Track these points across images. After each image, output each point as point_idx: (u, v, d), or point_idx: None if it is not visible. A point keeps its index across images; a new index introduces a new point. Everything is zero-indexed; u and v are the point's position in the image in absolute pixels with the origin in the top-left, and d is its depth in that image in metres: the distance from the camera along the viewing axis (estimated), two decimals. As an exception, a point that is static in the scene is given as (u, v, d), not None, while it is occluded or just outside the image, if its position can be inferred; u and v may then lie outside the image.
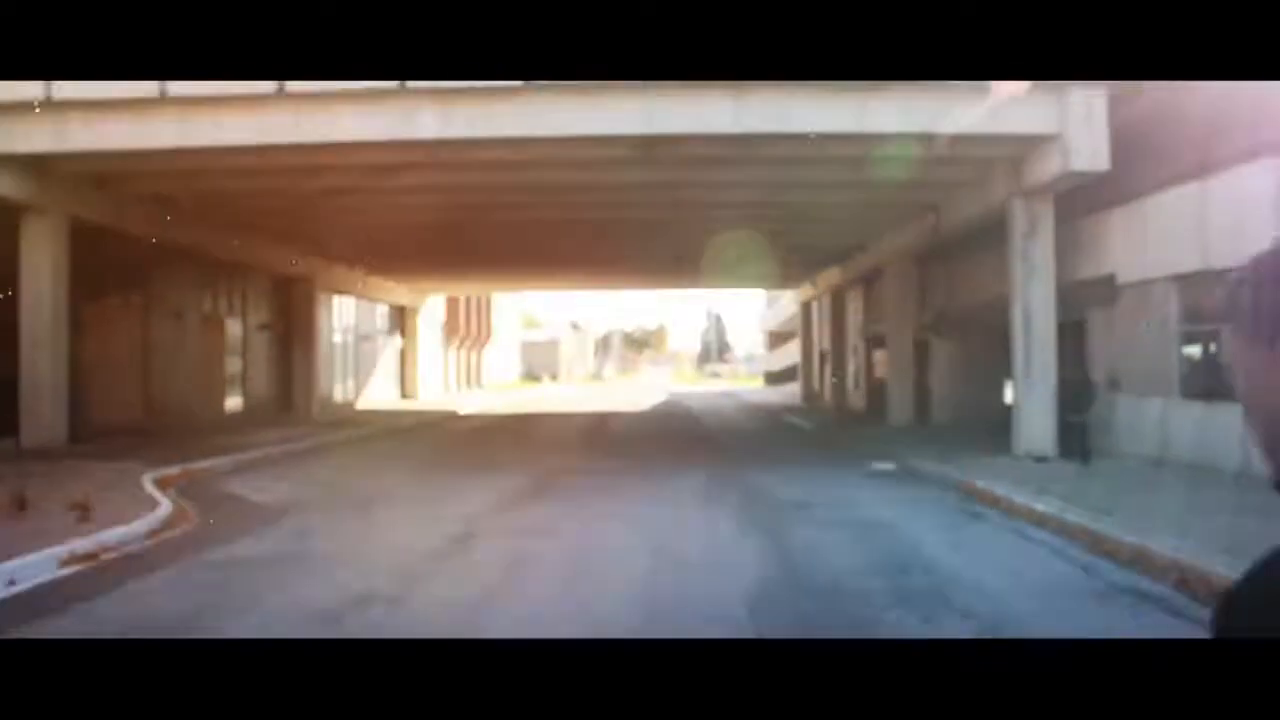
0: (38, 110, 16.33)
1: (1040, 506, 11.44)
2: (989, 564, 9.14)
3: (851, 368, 36.30)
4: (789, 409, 36.98)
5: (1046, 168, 16.51)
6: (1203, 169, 14.55)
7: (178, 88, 16.12)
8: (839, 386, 36.49)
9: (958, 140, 16.60)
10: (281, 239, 27.81)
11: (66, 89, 16.25)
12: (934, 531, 10.80)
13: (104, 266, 20.18)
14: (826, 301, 38.75)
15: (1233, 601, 1.45)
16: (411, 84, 15.94)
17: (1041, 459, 16.43)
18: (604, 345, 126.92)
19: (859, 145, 16.95)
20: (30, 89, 16.21)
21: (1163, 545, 8.73)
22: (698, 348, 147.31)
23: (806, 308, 44.35)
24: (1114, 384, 17.27)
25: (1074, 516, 10.61)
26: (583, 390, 66.75)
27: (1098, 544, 9.54)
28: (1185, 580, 7.86)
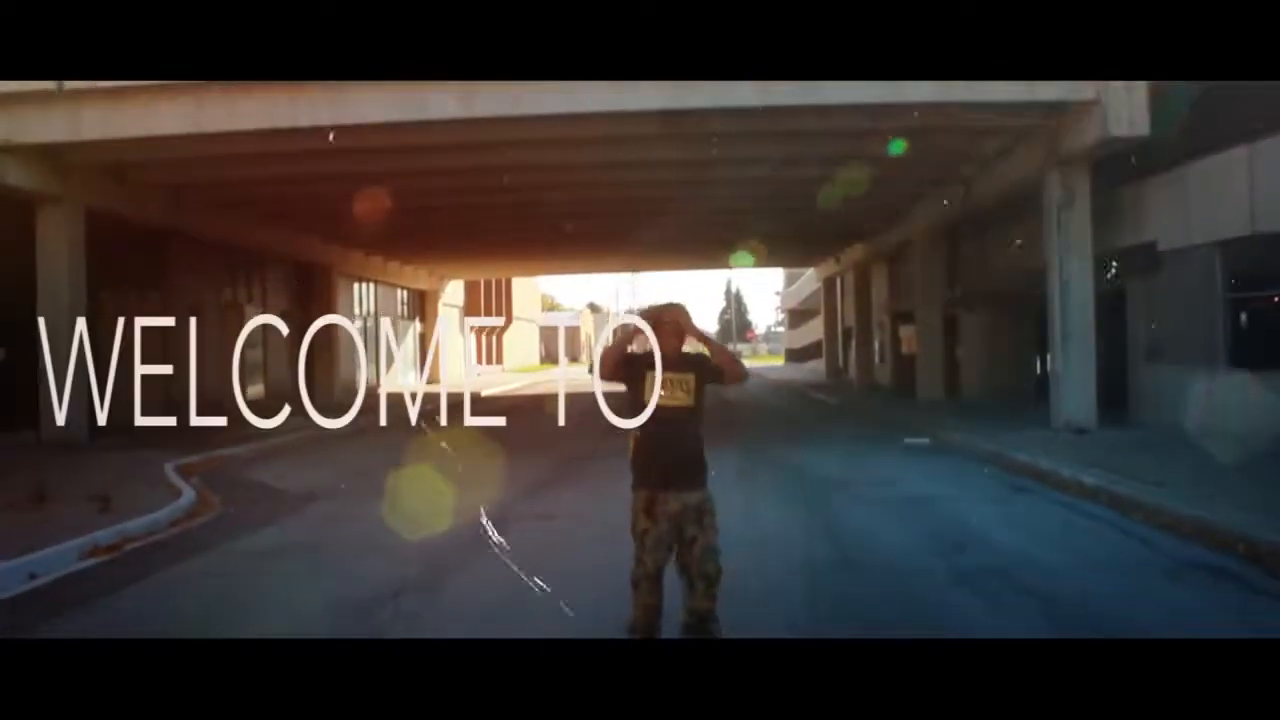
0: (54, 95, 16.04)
1: (1089, 479, 11.03)
2: (1046, 540, 8.75)
3: (877, 343, 35.85)
4: (814, 386, 36.55)
5: (1084, 135, 15.92)
6: (1251, 133, 14.07)
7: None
8: (865, 362, 36.05)
9: (992, 110, 16.10)
10: (299, 226, 27.53)
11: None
12: (982, 506, 10.41)
13: (120, 257, 19.89)
14: (851, 278, 38.22)
15: None
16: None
17: (1082, 430, 16.01)
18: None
19: (890, 117, 16.36)
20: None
21: (1226, 518, 8.35)
22: (717, 327, 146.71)
23: (830, 284, 43.84)
24: (1156, 353, 16.80)
25: (1125, 489, 10.22)
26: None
27: (1154, 517, 9.15)
28: (1257, 554, 7.46)
